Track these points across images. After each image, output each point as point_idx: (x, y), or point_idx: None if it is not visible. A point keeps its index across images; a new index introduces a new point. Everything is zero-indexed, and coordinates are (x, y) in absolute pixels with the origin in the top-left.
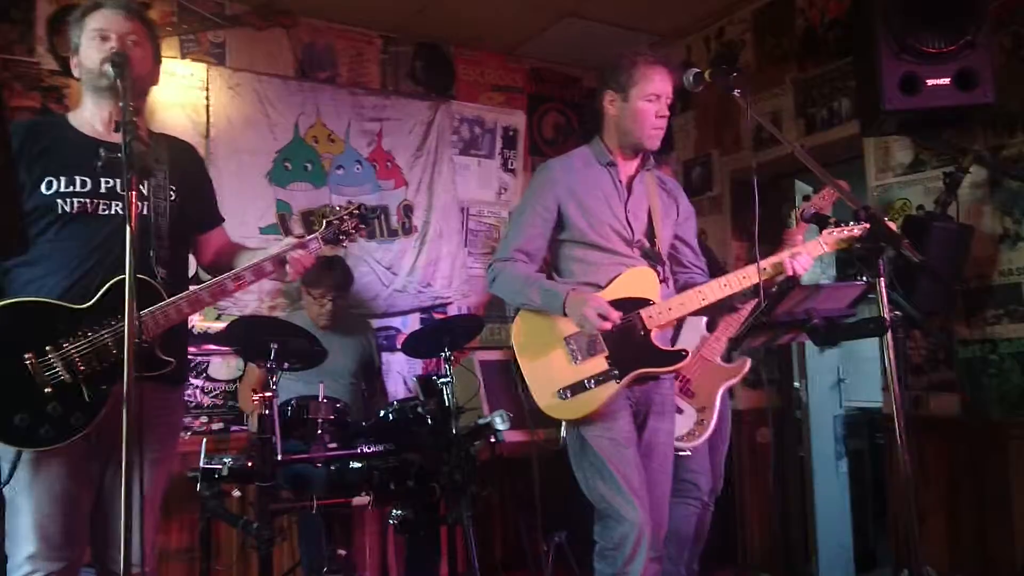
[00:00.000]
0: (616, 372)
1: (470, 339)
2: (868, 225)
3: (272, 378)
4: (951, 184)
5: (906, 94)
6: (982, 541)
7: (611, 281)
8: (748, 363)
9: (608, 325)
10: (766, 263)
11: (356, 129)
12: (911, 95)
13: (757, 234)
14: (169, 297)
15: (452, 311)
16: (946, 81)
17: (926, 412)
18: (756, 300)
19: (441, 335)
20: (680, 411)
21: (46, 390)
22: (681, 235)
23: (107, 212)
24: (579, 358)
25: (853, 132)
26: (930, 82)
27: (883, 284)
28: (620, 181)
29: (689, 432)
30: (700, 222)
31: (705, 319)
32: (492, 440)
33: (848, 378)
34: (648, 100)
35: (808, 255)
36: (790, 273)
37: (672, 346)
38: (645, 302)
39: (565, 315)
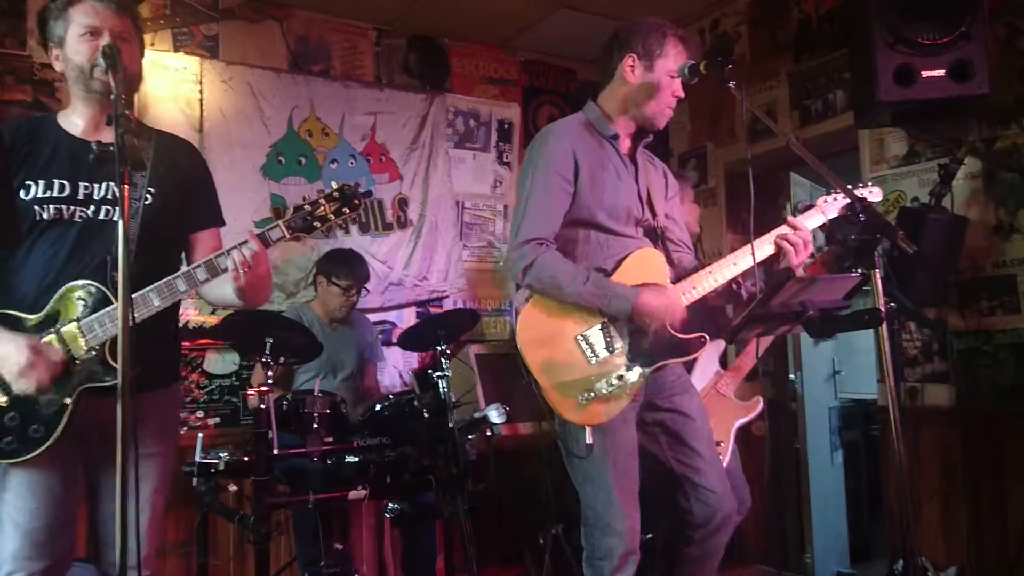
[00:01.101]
0: (638, 367)
1: (466, 332)
2: (863, 190)
3: (268, 372)
4: (946, 176)
5: (901, 85)
6: (976, 531)
7: (618, 265)
8: (761, 402)
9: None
10: (760, 240)
11: (350, 123)
12: (906, 86)
13: (753, 226)
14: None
15: (448, 305)
16: (941, 73)
17: (921, 403)
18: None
19: (437, 329)
20: None
21: (1, 401)
22: (669, 212)
23: (83, 218)
24: (597, 356)
25: (848, 124)
26: (925, 74)
27: (878, 276)
28: (624, 154)
29: None
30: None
31: (718, 355)
32: (488, 434)
33: (843, 370)
34: (671, 76)
35: (808, 230)
36: (792, 255)
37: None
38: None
39: (632, 320)
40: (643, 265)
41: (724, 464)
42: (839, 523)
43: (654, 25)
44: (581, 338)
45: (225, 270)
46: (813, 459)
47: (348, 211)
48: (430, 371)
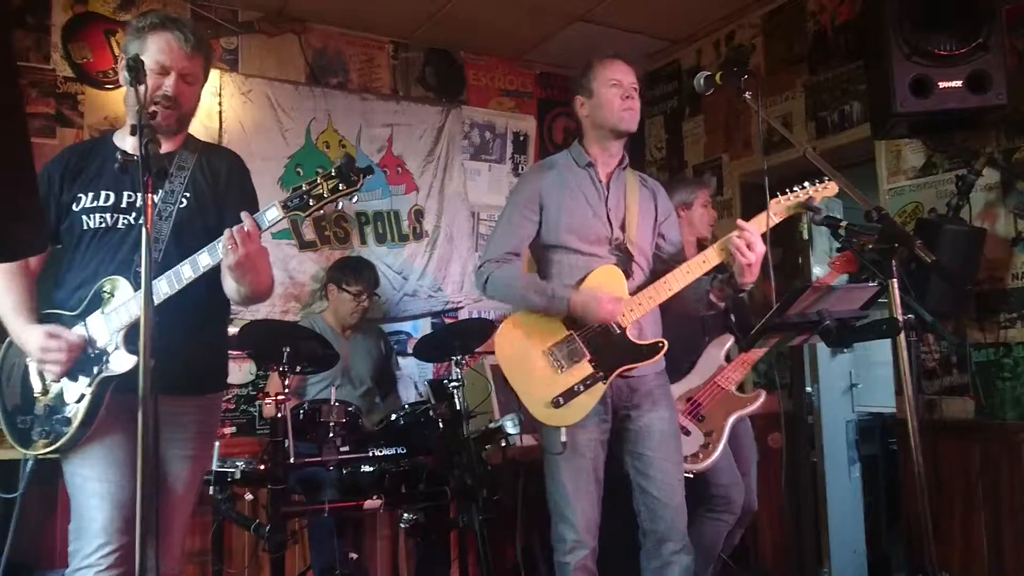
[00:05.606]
0: (602, 374)
1: (481, 343)
2: (819, 187)
3: (285, 381)
4: (963, 187)
5: (918, 97)
6: (997, 545)
7: (580, 282)
8: (763, 395)
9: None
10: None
11: (367, 134)
12: (923, 97)
13: (768, 238)
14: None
15: (463, 315)
16: (958, 83)
17: (940, 416)
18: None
19: (452, 339)
20: (687, 433)
21: (36, 392)
22: (663, 232)
23: (126, 224)
24: (564, 367)
25: (864, 135)
26: (942, 84)
27: (895, 285)
28: (600, 180)
29: (693, 454)
30: None
31: (725, 350)
32: (503, 444)
33: (860, 383)
34: (611, 85)
35: (753, 230)
36: (739, 256)
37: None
38: None
39: (569, 316)
40: (598, 282)
41: (715, 457)
42: (857, 538)
43: (583, 67)
44: (548, 351)
45: (208, 263)
46: (830, 473)
47: (345, 187)
48: (445, 381)
